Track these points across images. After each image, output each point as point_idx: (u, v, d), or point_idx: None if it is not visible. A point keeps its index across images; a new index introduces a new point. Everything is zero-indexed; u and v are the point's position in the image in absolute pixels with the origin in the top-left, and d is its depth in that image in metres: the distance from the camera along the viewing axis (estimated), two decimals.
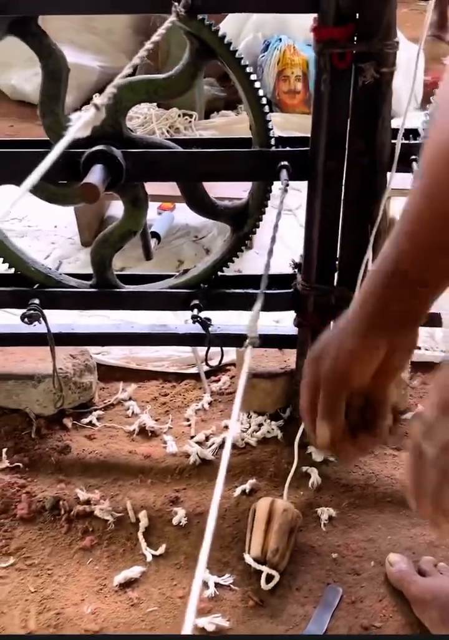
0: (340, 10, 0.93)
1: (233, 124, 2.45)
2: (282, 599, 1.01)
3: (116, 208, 2.06)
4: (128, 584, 1.04)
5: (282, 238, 1.79)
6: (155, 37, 0.81)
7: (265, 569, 1.02)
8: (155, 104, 2.37)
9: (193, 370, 1.45)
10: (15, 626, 0.99)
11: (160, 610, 1.01)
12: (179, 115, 2.35)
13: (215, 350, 1.25)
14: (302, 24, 2.41)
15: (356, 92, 0.98)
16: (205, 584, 1.03)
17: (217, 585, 1.03)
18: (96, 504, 1.15)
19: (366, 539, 1.10)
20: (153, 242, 1.37)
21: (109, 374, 1.44)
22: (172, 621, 0.99)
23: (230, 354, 1.42)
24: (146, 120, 2.27)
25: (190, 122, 2.37)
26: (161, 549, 1.08)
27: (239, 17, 2.50)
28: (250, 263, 1.75)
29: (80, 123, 0.61)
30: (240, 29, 2.53)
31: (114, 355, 1.48)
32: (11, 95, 2.80)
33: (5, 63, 2.81)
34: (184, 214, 1.99)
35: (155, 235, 1.55)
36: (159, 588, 1.03)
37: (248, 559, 1.03)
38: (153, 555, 1.08)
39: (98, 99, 0.64)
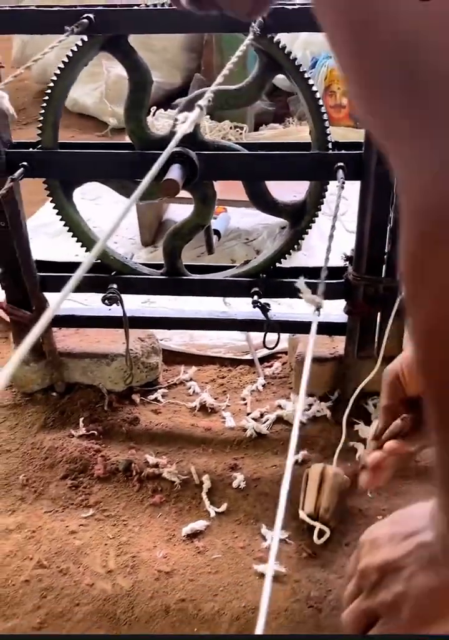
0: None
1: (281, 136, 2.59)
2: (333, 552, 1.13)
3: (172, 212, 2.21)
4: (194, 535, 1.17)
5: (334, 242, 1.92)
6: (237, 53, 0.94)
7: (318, 525, 1.14)
8: (208, 116, 2.53)
9: (248, 356, 1.59)
10: (97, 565, 1.12)
11: (223, 558, 1.13)
12: (231, 127, 2.50)
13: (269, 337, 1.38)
14: None
15: None
16: (263, 537, 1.16)
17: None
18: (164, 467, 1.28)
19: (408, 505, 1.20)
20: (214, 238, 1.51)
21: (171, 358, 1.58)
22: (234, 567, 1.12)
23: (282, 342, 1.54)
24: (201, 131, 2.43)
25: (240, 133, 2.51)
26: (223, 507, 1.21)
27: (289, 35, 2.65)
28: (298, 262, 1.87)
29: (188, 122, 0.75)
30: (289, 47, 2.68)
31: (176, 342, 1.62)
32: (72, 108, 2.99)
33: None
34: (236, 218, 2.13)
35: (216, 232, 1.70)
36: (222, 539, 1.16)
37: (302, 515, 1.15)
38: (216, 512, 1.20)
39: (201, 101, 0.78)
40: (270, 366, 1.55)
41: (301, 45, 2.63)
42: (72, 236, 1.32)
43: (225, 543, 1.16)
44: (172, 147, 0.72)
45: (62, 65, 1.17)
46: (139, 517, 1.21)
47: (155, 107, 2.59)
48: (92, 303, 1.55)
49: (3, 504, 1.23)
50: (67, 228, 1.32)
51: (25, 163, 1.21)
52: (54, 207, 1.29)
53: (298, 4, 1.11)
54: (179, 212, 2.06)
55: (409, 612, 0.48)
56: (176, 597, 1.07)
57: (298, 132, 2.47)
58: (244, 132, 2.53)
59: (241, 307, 1.54)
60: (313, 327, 0.77)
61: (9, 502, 1.23)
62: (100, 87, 2.96)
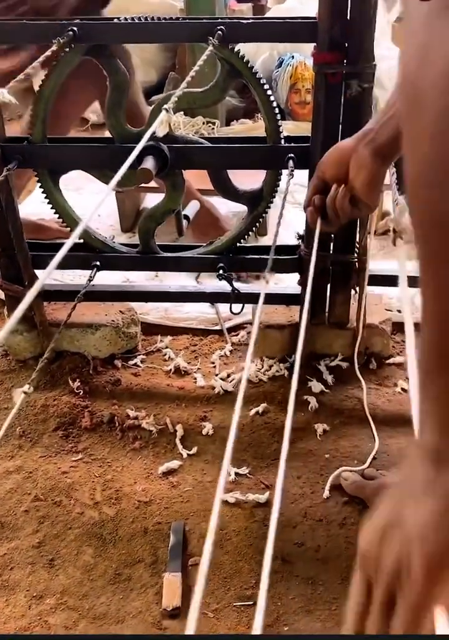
0: (332, 40, 1.26)
1: (251, 130, 2.79)
2: (286, 483, 1.33)
3: (149, 201, 2.40)
4: (169, 472, 1.37)
5: (290, 224, 2.13)
6: (199, 63, 1.13)
7: None
8: (182, 112, 2.72)
9: (217, 327, 1.78)
10: (86, 498, 1.32)
11: (193, 490, 1.33)
12: (204, 123, 2.69)
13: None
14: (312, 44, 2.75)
15: (345, 101, 1.31)
16: (228, 473, 1.36)
17: (236, 474, 1.35)
18: (143, 419, 1.48)
19: (352, 445, 1.42)
20: (184, 223, 1.71)
21: (149, 329, 1.77)
22: (202, 497, 1.32)
23: (246, 315, 1.74)
24: (175, 126, 2.61)
25: (213, 128, 2.70)
26: (194, 450, 1.41)
27: None
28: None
29: (157, 122, 0.94)
30: (257, 48, 2.87)
31: (153, 315, 1.81)
32: None
33: None
34: None
35: (186, 217, 1.89)
36: (193, 475, 1.36)
37: None
38: (187, 454, 1.40)
39: (166, 105, 0.98)
40: (237, 335, 1.75)
41: (268, 46, 2.82)
42: (58, 217, 1.51)
43: (195, 478, 1.36)
44: (144, 143, 0.92)
45: (50, 69, 1.36)
46: (121, 459, 1.40)
47: None
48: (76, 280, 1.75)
49: (3, 451, 1.42)
50: (53, 210, 1.50)
51: (18, 155, 1.40)
52: (43, 192, 1.48)
53: (251, 18, 1.30)
54: (155, 201, 2.25)
55: (420, 560, 0.39)
56: (153, 521, 1.27)
57: None
58: (216, 127, 2.72)
59: (211, 284, 1.74)
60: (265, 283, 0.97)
61: (8, 450, 1.42)
62: None
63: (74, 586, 1.16)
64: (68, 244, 0.65)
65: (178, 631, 1.10)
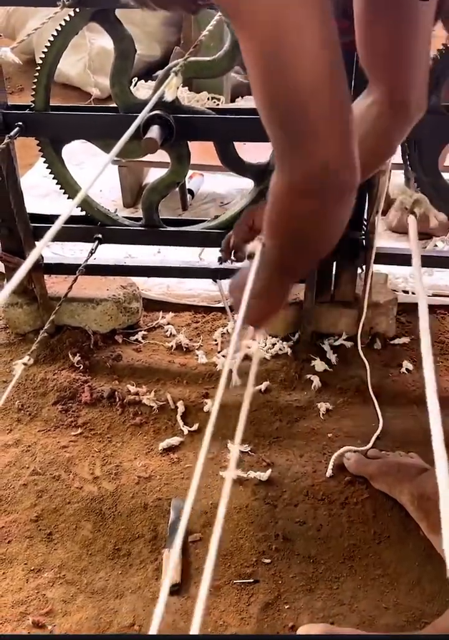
0: (345, 7, 1.23)
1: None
2: (288, 461, 1.32)
3: (152, 176, 2.36)
4: (170, 449, 1.35)
5: None
6: (208, 27, 1.10)
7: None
8: (187, 88, 2.67)
9: (220, 304, 1.76)
10: (85, 473, 1.30)
11: (194, 467, 1.31)
12: (209, 99, 2.65)
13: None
14: None
15: (356, 69, 1.27)
16: (229, 450, 1.34)
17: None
18: (143, 395, 1.46)
19: (355, 425, 1.40)
20: (188, 197, 1.68)
21: (151, 306, 1.74)
22: (204, 473, 1.29)
23: None
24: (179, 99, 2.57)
25: (218, 104, 2.66)
26: (195, 427, 1.39)
27: None
28: None
29: (165, 85, 0.91)
30: None
31: (155, 291, 1.79)
32: (56, 78, 3.09)
33: None
34: (212, 183, 2.29)
35: (190, 191, 1.86)
36: (193, 452, 1.34)
37: None
38: (189, 431, 1.38)
39: (175, 68, 0.95)
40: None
41: None
42: (60, 188, 1.48)
43: (196, 455, 1.33)
44: (151, 105, 0.88)
45: (55, 34, 1.32)
46: (122, 435, 1.38)
47: (136, 78, 2.73)
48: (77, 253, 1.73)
49: (1, 425, 1.40)
50: (55, 181, 1.47)
51: (20, 123, 1.36)
52: (45, 162, 1.44)
53: None
54: (158, 175, 2.22)
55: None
56: (153, 497, 1.25)
57: None
58: (221, 103, 2.68)
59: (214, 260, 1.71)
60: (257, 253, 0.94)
61: (6, 423, 1.40)
62: (83, 59, 3.08)
63: (72, 560, 1.15)
64: (66, 213, 0.62)
65: (178, 607, 1.08)
